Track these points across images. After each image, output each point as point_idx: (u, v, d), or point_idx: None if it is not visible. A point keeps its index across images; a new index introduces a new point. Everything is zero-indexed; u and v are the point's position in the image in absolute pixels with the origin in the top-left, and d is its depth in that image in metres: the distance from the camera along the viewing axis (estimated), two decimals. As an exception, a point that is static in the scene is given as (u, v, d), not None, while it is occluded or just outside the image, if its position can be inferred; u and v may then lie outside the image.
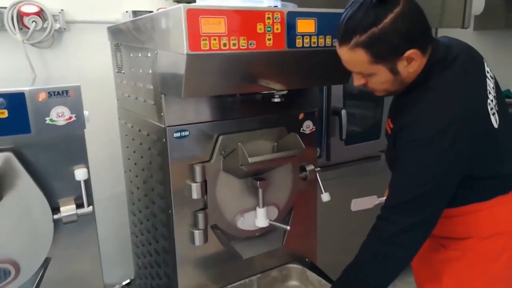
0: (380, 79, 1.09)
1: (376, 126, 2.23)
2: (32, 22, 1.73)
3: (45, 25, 1.78)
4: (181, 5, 0.97)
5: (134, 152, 1.56)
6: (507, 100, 3.50)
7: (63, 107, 1.04)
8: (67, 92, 1.04)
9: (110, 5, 1.97)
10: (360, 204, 1.48)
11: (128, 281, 2.09)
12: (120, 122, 1.69)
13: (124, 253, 2.04)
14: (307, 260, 1.58)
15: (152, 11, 1.98)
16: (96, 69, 1.93)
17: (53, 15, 1.80)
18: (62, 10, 1.85)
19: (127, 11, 1.97)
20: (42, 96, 1.01)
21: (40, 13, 1.76)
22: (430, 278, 1.27)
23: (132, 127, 1.54)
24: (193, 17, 0.97)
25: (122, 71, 1.54)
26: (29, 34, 1.74)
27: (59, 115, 1.04)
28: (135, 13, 1.97)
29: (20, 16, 1.73)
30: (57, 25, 1.83)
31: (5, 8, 1.71)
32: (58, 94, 1.03)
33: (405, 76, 1.08)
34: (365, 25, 0.99)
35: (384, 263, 1.11)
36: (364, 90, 1.18)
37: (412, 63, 1.05)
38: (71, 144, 1.08)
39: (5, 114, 0.98)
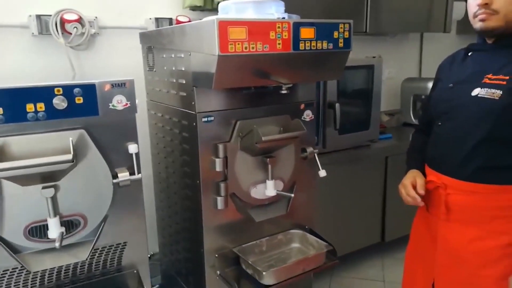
0: None
1: (365, 118, 2.56)
2: (74, 28, 2.03)
3: (83, 30, 2.09)
4: (214, 17, 1.29)
5: (163, 137, 1.88)
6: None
7: (122, 95, 1.36)
8: (124, 84, 1.35)
9: (135, 12, 2.28)
10: None
11: (152, 253, 2.40)
12: (150, 113, 2.00)
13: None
14: (306, 227, 1.90)
15: (171, 18, 2.33)
16: (124, 68, 2.22)
17: (89, 22, 2.11)
18: (96, 17, 2.15)
19: (150, 18, 2.29)
20: (107, 87, 1.32)
21: (80, 20, 2.06)
22: (484, 264, 1.27)
23: (161, 116, 1.85)
24: (223, 27, 1.28)
25: (154, 70, 1.85)
26: (71, 38, 2.04)
27: (118, 101, 1.35)
28: (157, 20, 2.30)
29: (62, 22, 2.04)
30: (92, 30, 2.13)
31: (50, 16, 2.02)
32: (118, 86, 1.34)
33: None
34: None
35: None
36: (479, 14, 1.20)
37: None
38: (126, 125, 1.40)
39: (81, 100, 1.29)
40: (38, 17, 2.00)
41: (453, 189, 1.29)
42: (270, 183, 1.66)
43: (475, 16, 1.23)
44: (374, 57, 2.56)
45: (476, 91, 1.22)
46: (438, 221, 1.36)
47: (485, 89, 1.20)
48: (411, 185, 1.38)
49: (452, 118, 1.29)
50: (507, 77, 1.17)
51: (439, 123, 1.35)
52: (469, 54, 1.33)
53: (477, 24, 1.23)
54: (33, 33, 2.01)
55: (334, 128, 2.33)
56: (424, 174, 1.44)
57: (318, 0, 2.44)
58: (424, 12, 2.94)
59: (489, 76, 1.21)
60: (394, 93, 3.36)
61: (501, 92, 1.16)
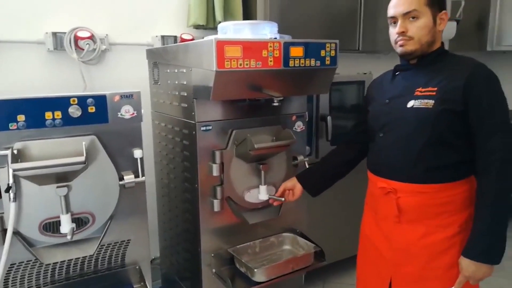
0: (424, 22, 1.35)
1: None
2: (86, 44, 2.21)
3: (94, 47, 2.26)
4: (212, 37, 1.46)
5: (166, 145, 2.03)
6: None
7: (129, 106, 1.52)
8: (132, 95, 1.52)
9: (142, 30, 2.46)
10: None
11: (153, 257, 2.53)
12: (154, 123, 2.16)
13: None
14: (297, 230, 2.03)
15: (176, 36, 2.50)
16: (131, 81, 2.37)
17: (100, 39, 2.29)
18: (107, 34, 2.34)
19: (156, 36, 2.47)
20: (117, 98, 1.48)
21: (92, 37, 2.24)
22: (434, 256, 1.42)
23: (165, 125, 2.01)
24: (220, 46, 1.45)
25: (159, 83, 2.02)
26: (84, 54, 2.22)
27: (126, 111, 1.52)
28: (163, 37, 2.48)
29: (76, 39, 2.22)
30: (103, 47, 2.31)
31: (65, 33, 2.20)
32: (126, 97, 1.51)
33: (436, 31, 1.38)
34: None
35: None
36: (400, 42, 1.40)
37: (442, 24, 1.38)
38: (132, 132, 1.56)
39: (93, 109, 1.45)
40: (54, 34, 2.18)
41: (403, 192, 1.43)
42: (263, 188, 1.81)
43: (396, 42, 1.43)
44: (365, 73, 2.72)
45: (411, 103, 1.39)
46: (389, 224, 1.50)
47: (419, 100, 1.37)
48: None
49: (393, 129, 1.45)
50: (435, 88, 1.35)
51: (381, 135, 1.50)
52: (397, 73, 1.51)
53: (398, 49, 1.44)
54: (48, 49, 2.18)
55: (326, 139, 2.48)
56: (304, 179, 1.78)
57: (314, 19, 2.61)
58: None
59: (419, 89, 1.39)
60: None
61: (433, 102, 1.34)
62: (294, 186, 1.79)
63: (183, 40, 2.50)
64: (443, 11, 1.38)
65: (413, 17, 1.37)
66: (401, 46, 1.41)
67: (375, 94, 1.59)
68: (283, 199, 1.82)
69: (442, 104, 1.33)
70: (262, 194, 1.81)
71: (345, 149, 1.80)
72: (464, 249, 1.35)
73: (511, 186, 1.31)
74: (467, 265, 1.33)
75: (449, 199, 1.40)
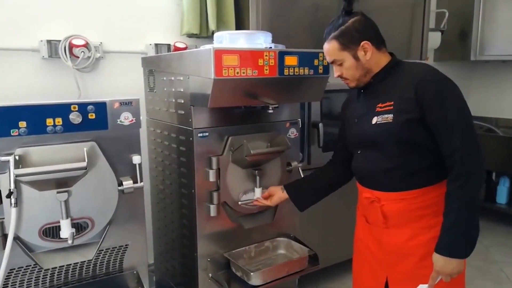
0: (348, 64, 1.45)
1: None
2: (81, 52, 2.24)
3: (89, 54, 2.29)
4: (210, 46, 1.50)
5: (161, 151, 2.06)
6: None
7: (128, 113, 1.55)
8: (131, 103, 1.55)
9: (136, 38, 2.50)
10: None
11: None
12: (149, 130, 2.19)
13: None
14: (292, 235, 2.07)
15: (169, 44, 2.54)
16: (124, 88, 2.40)
17: (94, 47, 2.32)
18: (101, 42, 2.36)
19: (150, 44, 2.51)
20: (116, 105, 1.51)
21: (86, 45, 2.27)
22: (424, 256, 1.47)
23: (160, 132, 2.04)
24: (218, 54, 1.49)
25: (154, 90, 2.05)
26: (78, 61, 2.24)
27: (125, 118, 1.55)
28: (156, 45, 2.51)
29: (70, 47, 2.24)
30: (98, 54, 2.34)
31: (59, 41, 2.22)
32: (126, 104, 1.54)
33: (364, 63, 1.45)
34: (338, 25, 1.47)
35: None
36: (343, 81, 1.53)
37: (367, 53, 1.44)
38: (131, 138, 1.59)
39: (93, 116, 1.48)
40: (49, 42, 2.20)
41: (385, 201, 1.51)
42: (258, 191, 1.85)
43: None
44: (355, 81, 2.79)
45: (375, 120, 1.47)
46: (378, 229, 1.57)
47: (380, 116, 1.46)
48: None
49: (366, 146, 1.55)
50: (392, 102, 1.44)
51: (358, 152, 1.59)
52: (362, 91, 1.59)
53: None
54: (43, 56, 2.20)
55: (318, 146, 2.53)
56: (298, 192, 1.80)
57: (304, 29, 2.67)
58: (403, 42, 3.21)
59: (379, 105, 1.48)
60: (375, 115, 3.59)
61: (392, 115, 1.43)
62: (275, 193, 1.82)
63: (176, 48, 2.54)
64: (362, 43, 1.44)
65: (339, 64, 1.49)
66: (346, 84, 1.55)
67: (347, 113, 1.68)
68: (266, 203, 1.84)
69: (400, 116, 1.41)
70: (257, 195, 1.85)
71: (330, 167, 1.83)
72: (435, 245, 1.41)
73: (475, 182, 1.36)
74: (436, 260, 1.39)
75: (429, 202, 1.46)
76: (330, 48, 1.49)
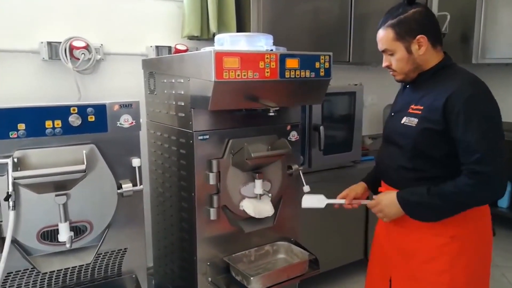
0: (399, 56, 1.42)
1: (348, 141, 2.76)
2: (81, 54, 2.23)
3: (89, 56, 2.28)
4: (211, 48, 1.49)
5: (161, 154, 2.05)
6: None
7: (128, 115, 1.54)
8: (131, 105, 1.54)
9: (137, 40, 2.49)
10: (309, 201, 1.72)
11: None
12: (149, 132, 2.18)
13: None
14: (292, 239, 2.06)
15: (170, 46, 2.53)
16: (125, 90, 2.40)
17: (95, 48, 2.31)
18: (101, 44, 2.35)
19: (151, 46, 2.50)
20: (116, 107, 1.50)
21: (87, 47, 2.26)
22: (426, 259, 1.48)
23: (160, 134, 2.03)
24: (219, 57, 1.48)
25: (155, 93, 2.04)
26: (79, 63, 2.23)
27: (125, 120, 1.53)
28: (157, 47, 2.50)
29: (71, 49, 2.23)
30: (98, 56, 2.33)
31: (60, 42, 2.21)
32: (125, 106, 1.53)
33: (416, 57, 1.41)
34: (396, 13, 1.44)
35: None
36: (389, 72, 1.52)
37: (421, 48, 1.40)
38: (131, 141, 1.58)
39: (93, 118, 1.47)
40: (49, 43, 2.19)
41: None
42: (258, 182, 1.83)
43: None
44: (356, 84, 2.78)
45: (404, 120, 1.47)
46: (391, 225, 1.57)
47: (408, 117, 1.46)
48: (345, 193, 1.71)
49: (390, 141, 1.55)
50: (422, 107, 1.42)
51: (384, 144, 1.61)
52: (407, 86, 1.58)
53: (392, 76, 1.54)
54: (43, 58, 2.19)
55: (319, 149, 2.52)
56: (373, 183, 1.71)
57: (305, 32, 2.67)
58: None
59: (412, 106, 1.46)
60: (377, 118, 3.58)
61: (417, 120, 1.42)
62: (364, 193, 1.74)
63: (177, 50, 2.53)
64: (418, 36, 1.41)
65: (390, 54, 1.46)
66: (393, 76, 1.52)
67: (393, 104, 1.67)
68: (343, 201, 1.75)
69: (423, 123, 1.40)
70: (257, 188, 1.83)
71: None
72: (401, 191, 1.46)
73: (469, 193, 1.34)
74: (389, 198, 1.45)
75: None
76: (384, 36, 1.45)
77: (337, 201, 1.70)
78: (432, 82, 1.44)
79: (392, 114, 1.58)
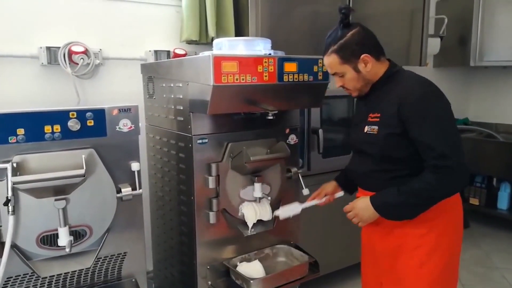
0: (349, 76, 1.49)
1: (347, 144, 2.76)
2: (80, 59, 2.23)
3: (88, 61, 2.28)
4: (210, 53, 1.50)
5: (160, 158, 2.05)
6: (465, 126, 4.29)
7: (127, 119, 1.54)
8: (130, 109, 1.55)
9: (136, 45, 2.49)
10: (286, 212, 1.80)
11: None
12: (148, 136, 2.18)
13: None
14: (292, 242, 2.06)
15: (169, 50, 2.54)
16: (124, 95, 2.39)
17: (94, 53, 2.31)
18: (100, 49, 2.36)
19: (150, 50, 2.50)
20: (115, 112, 1.51)
21: (86, 52, 2.27)
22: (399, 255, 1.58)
23: (159, 138, 2.04)
24: (217, 61, 1.49)
25: (154, 97, 2.05)
26: (78, 68, 2.24)
27: (124, 124, 1.54)
28: (156, 52, 2.51)
29: (70, 53, 2.24)
30: (97, 61, 2.33)
31: (59, 47, 2.22)
32: (124, 111, 1.53)
33: (365, 74, 1.48)
34: (336, 39, 1.48)
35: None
36: (345, 91, 1.58)
37: (367, 65, 1.47)
38: (130, 145, 1.58)
39: (92, 123, 1.47)
40: (48, 48, 2.19)
41: None
42: (257, 190, 1.83)
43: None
44: (354, 87, 2.78)
45: (366, 129, 1.54)
46: (371, 227, 1.63)
47: (370, 126, 1.53)
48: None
49: (358, 150, 1.63)
50: (379, 114, 1.50)
51: (353, 153, 1.70)
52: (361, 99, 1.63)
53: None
54: (42, 63, 2.20)
55: (318, 152, 2.52)
56: (345, 184, 1.81)
57: (304, 36, 2.67)
58: (403, 48, 3.22)
59: (371, 114, 1.54)
60: (375, 121, 3.58)
61: (377, 127, 1.50)
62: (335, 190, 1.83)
63: (176, 54, 2.54)
64: (362, 56, 1.46)
65: (341, 76, 1.52)
66: (349, 94, 1.60)
67: (353, 115, 1.75)
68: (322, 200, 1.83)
69: (384, 129, 1.47)
70: (256, 192, 1.83)
71: None
72: (375, 195, 1.52)
73: (437, 186, 1.40)
74: (364, 202, 1.52)
75: None
76: (330, 62, 1.51)
77: (312, 203, 1.79)
78: (385, 89, 1.51)
79: (354, 124, 1.64)
